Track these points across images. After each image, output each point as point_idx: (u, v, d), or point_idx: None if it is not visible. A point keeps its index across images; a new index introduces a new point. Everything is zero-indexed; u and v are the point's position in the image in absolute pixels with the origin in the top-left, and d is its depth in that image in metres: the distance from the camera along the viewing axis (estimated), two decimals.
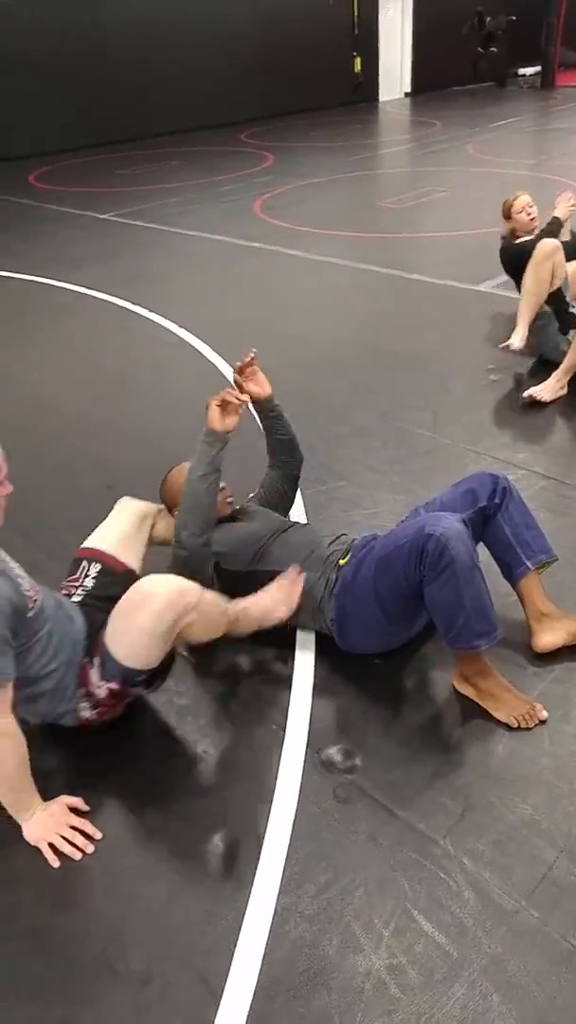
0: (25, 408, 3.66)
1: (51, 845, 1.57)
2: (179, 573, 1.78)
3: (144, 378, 3.89)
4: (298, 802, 1.64)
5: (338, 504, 2.69)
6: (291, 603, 1.85)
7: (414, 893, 1.45)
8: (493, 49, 15.38)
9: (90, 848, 1.57)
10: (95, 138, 11.73)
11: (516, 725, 1.78)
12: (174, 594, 1.57)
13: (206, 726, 1.85)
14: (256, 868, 1.51)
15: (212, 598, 1.70)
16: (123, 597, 1.62)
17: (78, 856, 1.56)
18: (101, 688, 1.67)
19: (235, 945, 1.39)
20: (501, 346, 3.54)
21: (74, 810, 1.63)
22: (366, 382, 3.62)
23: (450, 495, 2.01)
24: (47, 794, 1.62)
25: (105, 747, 1.80)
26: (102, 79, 11.53)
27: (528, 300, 3.52)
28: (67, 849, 1.56)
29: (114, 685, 1.66)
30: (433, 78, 15.95)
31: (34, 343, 4.46)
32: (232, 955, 1.37)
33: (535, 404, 3.28)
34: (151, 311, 4.72)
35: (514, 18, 15.07)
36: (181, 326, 4.45)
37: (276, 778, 1.70)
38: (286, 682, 1.96)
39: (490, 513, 1.94)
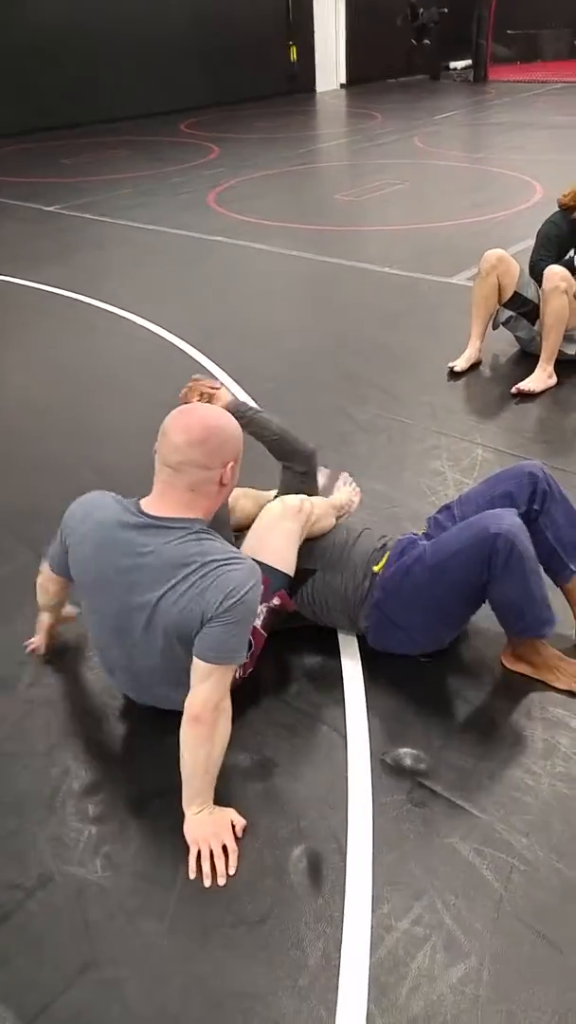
0: (8, 411, 3.50)
1: (199, 853, 1.51)
2: None
3: (124, 375, 3.78)
4: (373, 809, 1.61)
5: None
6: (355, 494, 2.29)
7: (509, 892, 1.44)
8: (427, 42, 15.54)
9: (231, 871, 1.50)
10: (35, 124, 11.35)
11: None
12: (302, 502, 1.90)
13: (264, 737, 1.80)
14: (345, 881, 1.48)
15: (321, 502, 2.01)
16: (257, 522, 1.88)
17: (218, 880, 1.48)
18: (261, 615, 1.77)
19: (338, 965, 1.35)
20: (450, 364, 3.56)
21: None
22: (359, 376, 3.60)
23: (486, 496, 1.95)
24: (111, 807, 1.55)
25: (165, 764, 1.73)
26: (45, 65, 11.16)
27: (477, 315, 3.55)
28: (214, 865, 1.49)
29: (276, 601, 1.82)
30: (367, 70, 16.02)
31: (6, 346, 4.27)
32: (337, 978, 1.34)
33: (526, 396, 3.32)
34: (121, 308, 4.58)
35: (446, 10, 15.26)
36: (154, 322, 4.33)
37: (347, 786, 1.67)
38: (337, 687, 1.92)
39: (532, 518, 1.91)
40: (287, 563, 1.85)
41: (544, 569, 1.98)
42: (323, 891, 1.47)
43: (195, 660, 1.51)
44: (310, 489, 2.13)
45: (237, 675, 1.74)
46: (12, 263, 5.60)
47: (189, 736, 1.51)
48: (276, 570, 1.83)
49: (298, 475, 2.10)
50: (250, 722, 1.83)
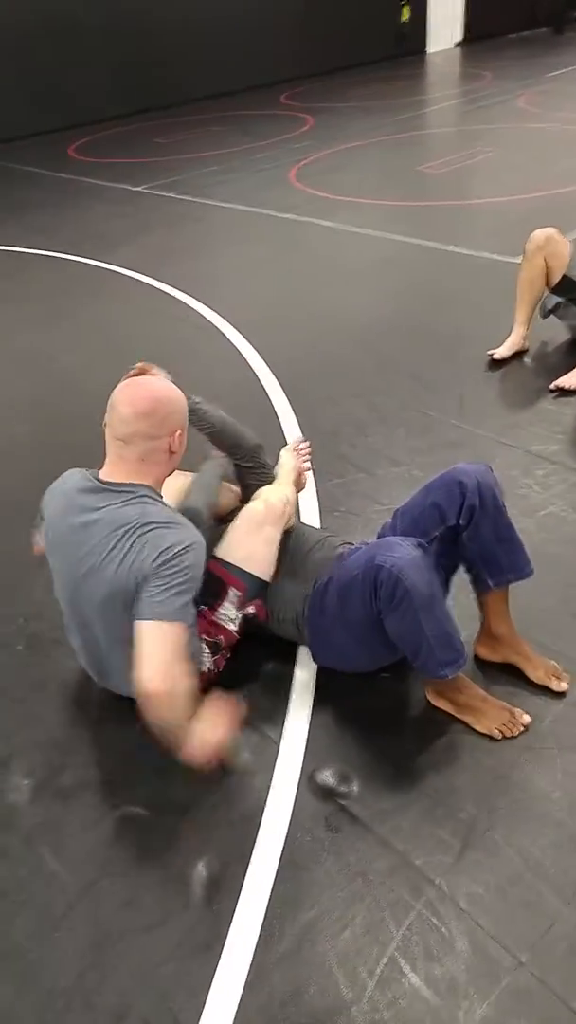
0: (53, 387, 3.60)
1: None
2: None
3: (167, 360, 3.79)
4: (288, 827, 1.56)
5: (355, 500, 2.57)
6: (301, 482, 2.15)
7: (403, 939, 1.36)
8: None
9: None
10: (137, 105, 11.55)
11: (500, 736, 1.69)
12: (285, 505, 1.85)
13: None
14: (238, 899, 1.44)
15: (281, 494, 1.90)
16: (236, 523, 1.79)
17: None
18: (236, 620, 1.76)
19: (211, 983, 1.32)
20: (489, 352, 3.32)
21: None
22: (394, 362, 3.44)
23: (419, 505, 1.81)
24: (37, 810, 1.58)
25: (84, 762, 1.74)
26: (142, 45, 11.30)
27: (522, 299, 3.29)
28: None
29: (251, 609, 1.79)
30: (487, 25, 15.11)
31: (64, 324, 4.40)
32: (207, 995, 1.31)
33: (566, 393, 3.06)
34: (179, 290, 4.61)
35: None
36: (208, 305, 4.33)
37: (267, 800, 1.62)
38: (284, 696, 1.87)
39: (459, 531, 1.77)
40: (266, 570, 1.81)
41: (470, 578, 1.84)
42: (213, 909, 1.44)
43: (136, 624, 1.50)
44: (262, 482, 2.05)
45: (206, 669, 1.75)
46: (89, 244, 5.74)
47: (152, 718, 1.47)
48: (255, 577, 1.79)
49: (247, 469, 2.05)
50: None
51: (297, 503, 2.22)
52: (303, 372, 3.47)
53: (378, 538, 1.89)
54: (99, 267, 5.22)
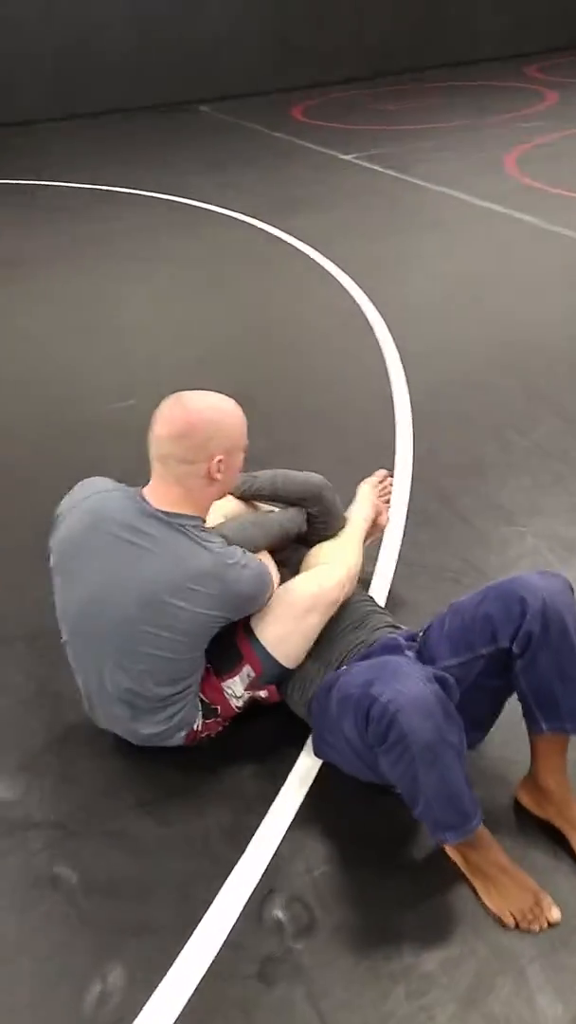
0: (197, 363, 3.45)
1: None
2: None
3: (298, 345, 3.54)
4: (212, 962, 1.29)
5: (439, 554, 2.18)
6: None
7: None
8: None
9: None
10: (383, 67, 11.12)
11: (513, 925, 1.30)
12: (342, 588, 1.61)
13: (157, 823, 1.52)
14: None
15: (355, 570, 1.70)
16: (281, 595, 1.56)
17: None
18: (241, 699, 1.57)
19: None
20: None
21: None
22: (548, 398, 2.93)
23: (471, 609, 1.43)
24: None
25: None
26: (388, 5, 10.83)
27: None
28: None
29: (263, 693, 1.59)
30: None
31: (217, 294, 4.27)
32: None
33: None
34: (342, 270, 4.30)
35: None
36: (364, 291, 3.99)
37: (200, 920, 1.35)
38: (278, 779, 1.58)
39: (511, 658, 1.38)
40: (293, 660, 1.58)
41: (522, 709, 1.43)
42: None
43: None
44: (332, 528, 1.80)
45: (195, 728, 1.57)
46: (270, 208, 5.56)
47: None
48: (277, 663, 1.56)
49: (312, 516, 1.76)
50: (148, 775, 1.59)
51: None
52: (439, 383, 3.08)
53: (425, 631, 1.53)
54: (270, 233, 5.03)
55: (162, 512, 1.45)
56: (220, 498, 1.59)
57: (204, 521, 1.50)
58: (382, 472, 2.04)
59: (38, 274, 4.72)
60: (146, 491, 1.49)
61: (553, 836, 1.43)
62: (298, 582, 1.60)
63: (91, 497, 1.53)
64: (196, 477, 1.45)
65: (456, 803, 1.26)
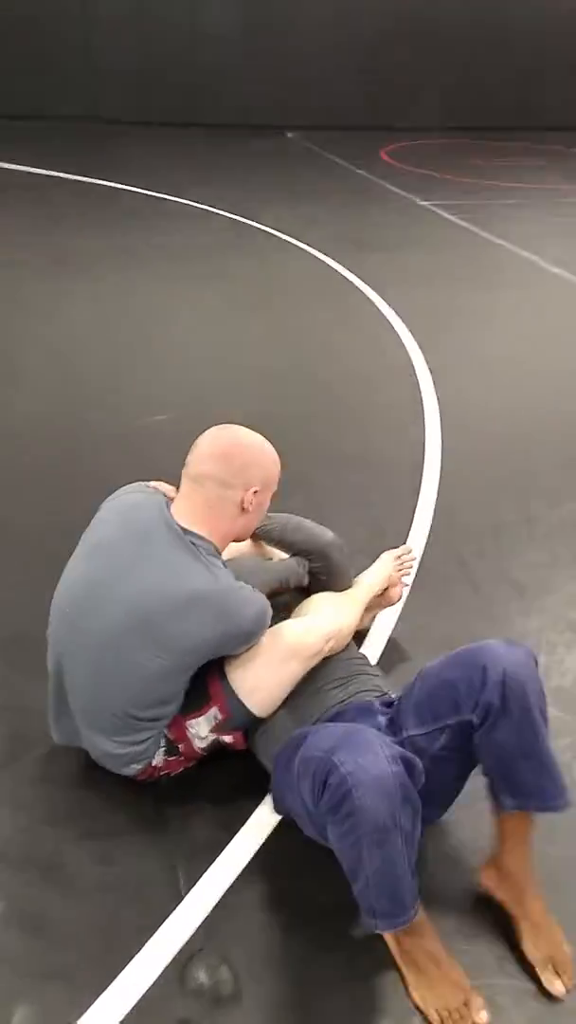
0: (243, 384, 3.45)
1: None
2: None
3: (347, 384, 3.50)
4: (121, 1022, 1.21)
5: (441, 619, 2.09)
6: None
7: None
8: None
9: None
10: (468, 121, 11.24)
11: (438, 1022, 1.21)
12: (326, 643, 1.55)
13: (96, 861, 1.45)
14: None
15: (347, 630, 1.64)
16: (264, 641, 1.49)
17: None
18: (206, 741, 1.50)
19: None
20: None
21: None
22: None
23: (437, 675, 1.37)
24: None
25: None
26: (496, 61, 10.94)
27: None
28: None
29: (229, 739, 1.52)
30: None
31: (264, 317, 4.27)
32: None
33: None
34: (398, 316, 4.28)
35: None
36: (416, 339, 3.95)
37: (119, 973, 1.27)
38: (224, 838, 1.50)
39: (471, 729, 1.31)
40: (265, 709, 1.51)
41: (486, 784, 1.35)
42: None
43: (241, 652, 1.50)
44: (334, 587, 1.74)
45: (154, 764, 1.51)
46: (337, 242, 5.59)
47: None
48: (248, 711, 1.50)
49: (317, 573, 1.74)
50: (98, 809, 1.53)
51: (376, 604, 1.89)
52: (475, 442, 3.02)
53: (400, 698, 1.46)
54: (332, 268, 5.05)
55: (180, 527, 1.44)
56: (240, 540, 1.58)
57: (220, 552, 1.48)
58: (408, 546, 1.99)
59: (90, 274, 4.75)
60: (173, 509, 1.49)
61: (506, 927, 1.34)
62: (282, 627, 1.54)
63: (134, 493, 1.55)
64: (229, 503, 1.46)
65: (394, 891, 1.17)
